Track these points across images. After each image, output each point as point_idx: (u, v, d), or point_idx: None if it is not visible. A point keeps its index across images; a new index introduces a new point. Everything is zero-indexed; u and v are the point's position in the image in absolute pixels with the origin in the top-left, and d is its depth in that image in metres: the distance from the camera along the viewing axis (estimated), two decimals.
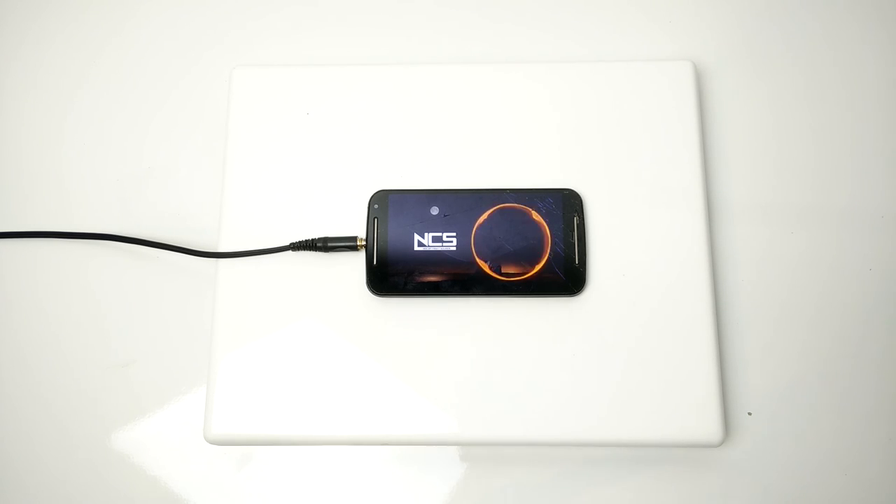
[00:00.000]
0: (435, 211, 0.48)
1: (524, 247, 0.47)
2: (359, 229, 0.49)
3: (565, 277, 0.47)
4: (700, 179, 0.49)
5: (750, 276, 0.50)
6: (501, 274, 0.47)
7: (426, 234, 0.48)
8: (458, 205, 0.48)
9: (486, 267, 0.47)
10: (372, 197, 0.49)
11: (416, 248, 0.47)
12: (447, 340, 0.47)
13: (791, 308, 0.50)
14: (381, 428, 0.45)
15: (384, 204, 0.48)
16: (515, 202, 0.48)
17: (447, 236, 0.48)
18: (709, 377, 0.46)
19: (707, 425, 0.45)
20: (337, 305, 0.48)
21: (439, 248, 0.47)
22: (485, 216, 0.48)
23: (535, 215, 0.48)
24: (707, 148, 0.52)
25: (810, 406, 0.48)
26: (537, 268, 0.47)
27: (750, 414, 0.48)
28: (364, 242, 0.48)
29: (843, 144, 0.52)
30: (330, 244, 0.48)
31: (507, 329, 0.47)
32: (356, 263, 0.48)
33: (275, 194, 0.49)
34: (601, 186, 0.49)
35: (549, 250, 0.47)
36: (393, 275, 0.47)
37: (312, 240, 0.48)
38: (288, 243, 0.48)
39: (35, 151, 0.54)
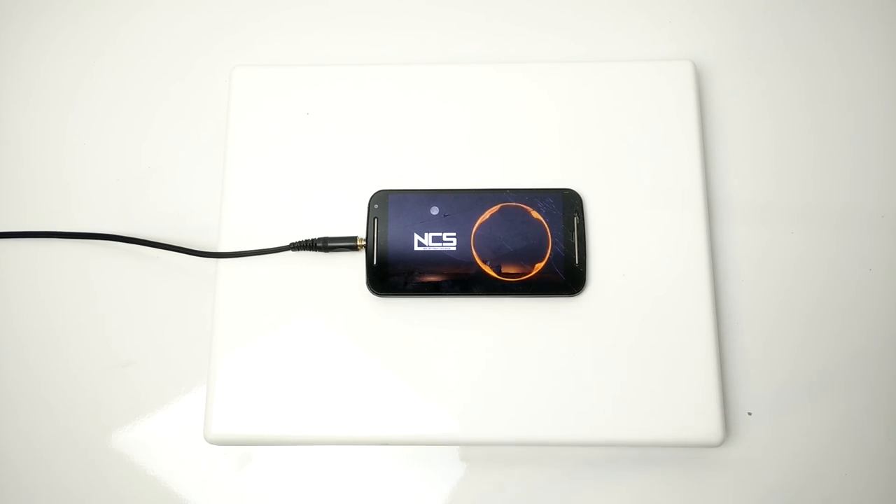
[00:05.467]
0: (435, 211, 0.48)
1: (524, 247, 0.47)
2: (359, 229, 0.49)
3: (565, 277, 0.47)
4: (700, 179, 0.49)
5: (750, 276, 0.50)
6: (501, 274, 0.47)
7: (426, 234, 0.48)
8: (458, 205, 0.48)
9: (486, 267, 0.47)
10: (372, 197, 0.49)
11: (416, 248, 0.47)
12: (447, 340, 0.47)
13: (791, 308, 0.50)
14: (380, 428, 0.46)
15: (384, 204, 0.48)
16: (515, 202, 0.48)
17: (447, 236, 0.48)
18: (709, 377, 0.46)
19: (707, 425, 0.45)
20: (337, 305, 0.48)
21: (439, 248, 0.47)
22: (485, 216, 0.48)
23: (535, 214, 0.48)
24: (707, 148, 0.52)
25: (810, 406, 0.48)
26: (537, 268, 0.47)
27: (750, 414, 0.48)
28: (364, 242, 0.48)
29: (843, 144, 0.52)
30: (330, 244, 0.48)
31: (507, 329, 0.47)
32: (356, 263, 0.48)
33: (275, 194, 0.49)
34: (601, 186, 0.49)
35: (549, 250, 0.47)
36: (393, 275, 0.47)
37: (312, 240, 0.48)
38: (288, 243, 0.48)
39: (35, 151, 0.54)
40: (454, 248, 0.47)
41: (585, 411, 0.45)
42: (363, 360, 0.47)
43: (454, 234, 0.48)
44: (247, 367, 0.47)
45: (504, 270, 0.47)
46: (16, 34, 0.57)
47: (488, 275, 0.47)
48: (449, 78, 0.51)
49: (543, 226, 0.48)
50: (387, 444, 0.46)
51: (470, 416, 0.45)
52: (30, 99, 0.55)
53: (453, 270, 0.47)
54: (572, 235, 0.48)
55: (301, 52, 0.56)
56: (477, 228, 0.48)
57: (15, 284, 0.52)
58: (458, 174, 0.49)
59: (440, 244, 0.47)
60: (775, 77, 0.54)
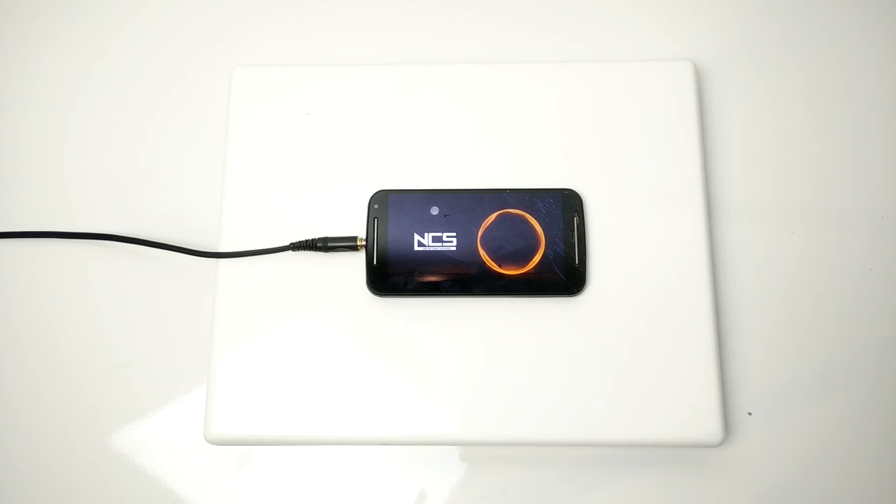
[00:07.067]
0: (435, 211, 0.48)
1: (524, 247, 0.47)
2: (359, 229, 0.49)
3: (565, 277, 0.47)
4: (700, 179, 0.49)
5: (750, 276, 0.50)
6: (502, 273, 0.47)
7: (426, 234, 0.48)
8: (458, 205, 0.48)
9: (488, 262, 0.47)
10: (372, 197, 0.49)
11: (416, 248, 0.47)
12: (447, 341, 0.47)
13: (791, 308, 0.50)
14: (380, 428, 0.45)
15: (384, 204, 0.48)
16: (516, 203, 0.48)
17: (447, 236, 0.48)
18: (709, 377, 0.46)
19: (707, 425, 0.45)
20: (337, 305, 0.48)
21: (439, 248, 0.47)
22: (489, 221, 0.48)
23: (535, 221, 0.48)
24: (707, 148, 0.52)
25: (810, 406, 0.48)
26: (536, 264, 0.47)
27: (750, 414, 0.48)
28: (364, 242, 0.48)
29: (844, 144, 0.52)
30: (330, 244, 0.48)
31: (507, 329, 0.47)
32: (356, 263, 0.48)
33: (275, 194, 0.49)
34: (601, 186, 0.49)
35: (548, 250, 0.47)
36: (393, 275, 0.47)
37: (312, 240, 0.48)
38: (288, 243, 0.48)
39: (35, 151, 0.54)
40: (454, 248, 0.47)
41: (585, 411, 0.45)
42: (363, 360, 0.47)
43: (454, 234, 0.48)
44: (247, 367, 0.47)
45: (504, 270, 0.47)
46: (16, 34, 0.57)
47: (488, 274, 0.47)
48: (449, 78, 0.51)
49: (542, 229, 0.48)
50: (387, 444, 0.46)
51: (470, 416, 0.45)
52: (30, 99, 0.55)
53: (453, 270, 0.47)
54: (572, 235, 0.48)
55: (301, 52, 0.56)
56: (481, 233, 0.48)
57: (15, 284, 0.52)
58: (458, 174, 0.49)
59: (440, 244, 0.47)
60: (775, 77, 0.54)
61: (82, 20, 0.57)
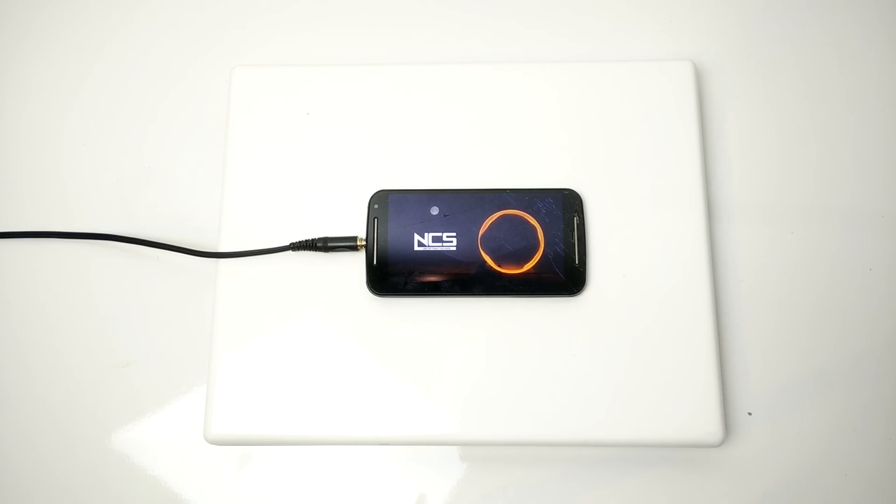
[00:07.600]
0: (435, 211, 0.48)
1: (524, 247, 0.47)
2: (359, 229, 0.49)
3: (565, 277, 0.47)
4: (700, 179, 0.49)
5: (750, 276, 0.50)
6: (502, 273, 0.47)
7: (426, 234, 0.48)
8: (458, 205, 0.48)
9: (488, 261, 0.47)
10: (372, 197, 0.49)
11: (416, 248, 0.47)
12: (447, 341, 0.47)
13: (791, 308, 0.50)
14: (380, 428, 0.45)
15: (384, 204, 0.48)
16: (516, 204, 0.48)
17: (447, 236, 0.48)
18: (709, 377, 0.46)
19: (707, 425, 0.45)
20: (337, 305, 0.48)
21: (439, 248, 0.47)
22: (488, 222, 0.48)
23: (535, 221, 0.48)
24: (707, 148, 0.52)
25: (810, 406, 0.48)
26: (536, 264, 0.47)
27: (750, 414, 0.48)
28: (364, 242, 0.48)
29: (844, 144, 0.52)
30: (330, 244, 0.48)
31: (507, 329, 0.47)
32: (356, 263, 0.48)
33: (275, 194, 0.49)
34: (601, 186, 0.49)
35: (548, 250, 0.47)
36: (393, 275, 0.47)
37: (312, 240, 0.48)
38: (288, 243, 0.48)
39: (35, 151, 0.54)
40: (454, 248, 0.47)
41: (585, 411, 0.45)
42: (363, 360, 0.47)
43: (454, 234, 0.48)
44: (247, 367, 0.47)
45: (504, 270, 0.47)
46: (16, 34, 0.57)
47: (488, 274, 0.47)
48: (449, 78, 0.51)
49: (542, 228, 0.48)
50: (387, 444, 0.46)
51: (470, 416, 0.45)
52: (29, 99, 0.55)
53: (453, 270, 0.47)
54: (572, 235, 0.48)
55: (301, 52, 0.55)
56: (481, 234, 0.48)
57: (15, 284, 0.52)
58: (458, 174, 0.49)
59: (440, 244, 0.47)
60: (775, 77, 0.54)
61: (82, 20, 0.57)
